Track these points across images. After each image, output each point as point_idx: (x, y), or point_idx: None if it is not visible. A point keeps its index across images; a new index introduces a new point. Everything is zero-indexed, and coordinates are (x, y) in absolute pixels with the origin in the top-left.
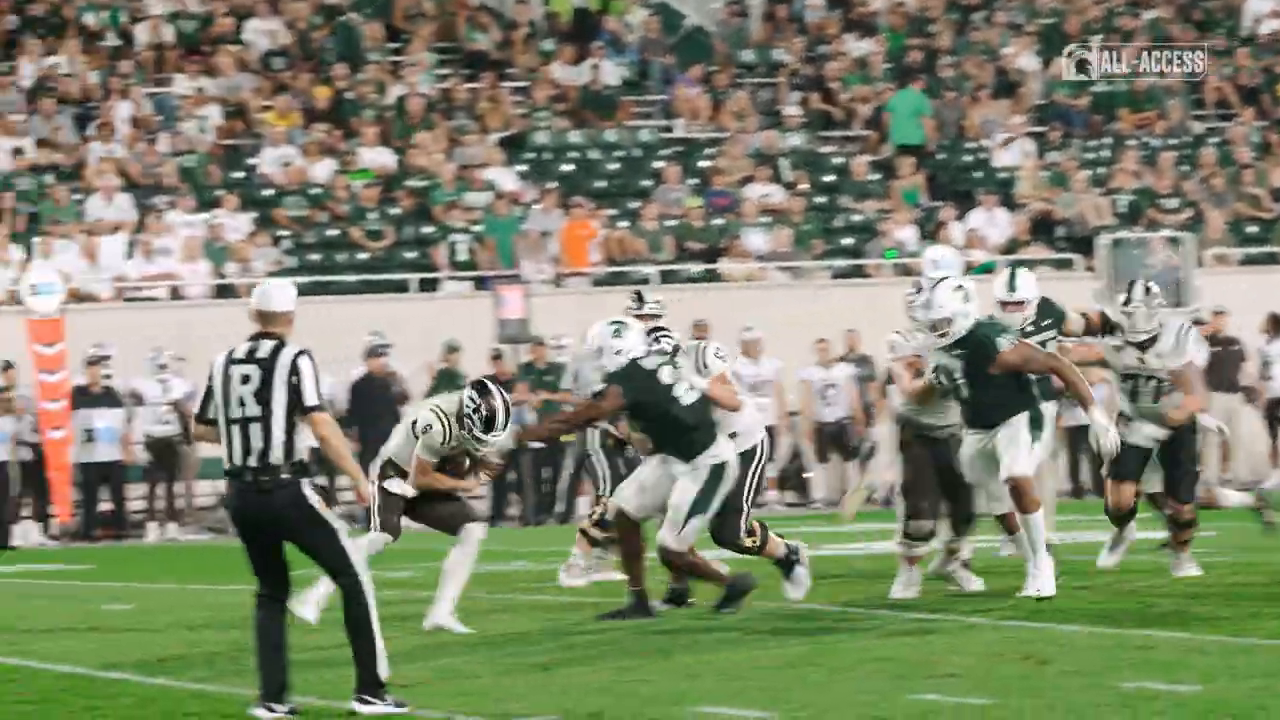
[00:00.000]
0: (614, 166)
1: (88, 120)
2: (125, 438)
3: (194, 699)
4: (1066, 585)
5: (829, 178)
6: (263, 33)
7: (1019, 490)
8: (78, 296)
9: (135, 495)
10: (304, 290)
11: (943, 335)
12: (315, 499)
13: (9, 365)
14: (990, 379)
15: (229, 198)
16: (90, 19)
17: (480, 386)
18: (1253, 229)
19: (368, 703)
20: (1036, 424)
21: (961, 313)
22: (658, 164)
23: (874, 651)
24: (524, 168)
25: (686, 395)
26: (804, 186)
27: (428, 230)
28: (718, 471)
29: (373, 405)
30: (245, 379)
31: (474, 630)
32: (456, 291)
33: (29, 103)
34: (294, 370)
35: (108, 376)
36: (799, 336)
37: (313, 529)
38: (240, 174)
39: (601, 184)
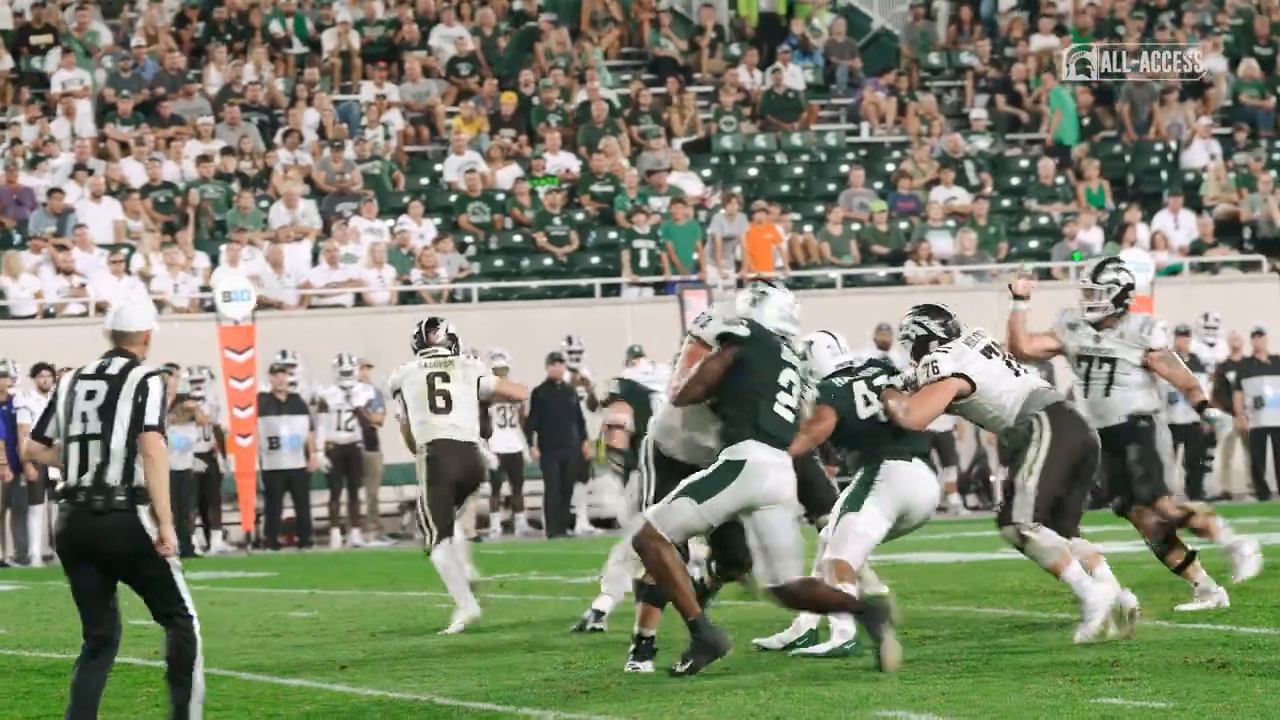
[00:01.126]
0: (799, 170)
1: (274, 128)
2: (308, 445)
3: (376, 706)
4: (1251, 586)
5: (1014, 180)
6: (449, 39)
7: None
8: (263, 303)
9: (318, 502)
10: (488, 296)
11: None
12: (151, 529)
13: (174, 369)
14: None
15: (414, 204)
16: (276, 27)
17: None
18: None
19: None
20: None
21: None
22: (843, 168)
23: (1056, 655)
24: (708, 172)
25: None
26: (989, 189)
27: (612, 235)
28: (727, 465)
29: (552, 412)
30: (90, 394)
31: (662, 633)
32: (640, 297)
33: (215, 110)
34: (142, 388)
35: (292, 384)
36: None
37: (144, 560)
38: (425, 180)
39: (786, 188)
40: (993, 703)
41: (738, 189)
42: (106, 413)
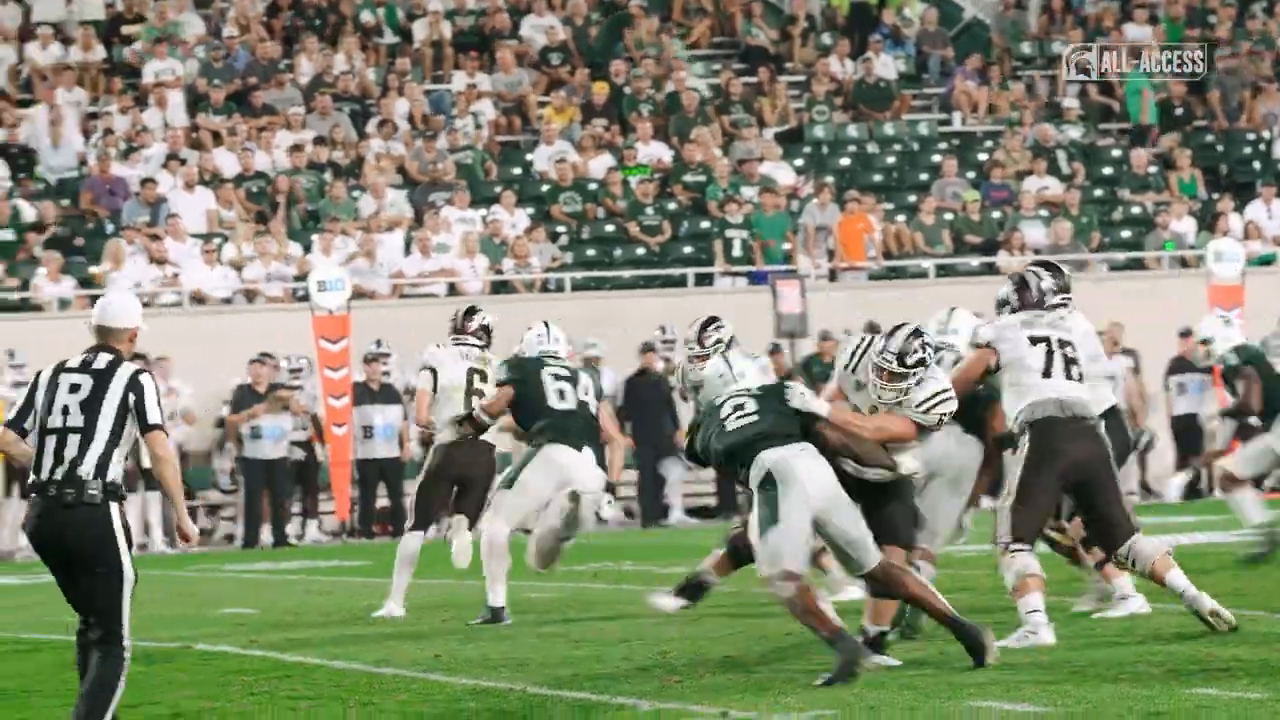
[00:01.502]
0: (891, 160)
1: (365, 117)
2: (402, 434)
3: (470, 695)
4: None
5: (1107, 170)
6: (540, 28)
7: None
8: (357, 293)
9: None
10: (580, 286)
11: None
12: (120, 533)
13: (268, 358)
14: None
15: (506, 194)
16: (368, 16)
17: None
18: None
19: None
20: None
21: None
22: (935, 157)
23: (1150, 646)
24: (801, 162)
25: None
26: (1081, 179)
27: (704, 225)
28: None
29: (645, 401)
30: (74, 388)
31: (752, 626)
32: (733, 286)
33: (307, 100)
34: (133, 386)
35: (386, 373)
36: None
37: (102, 562)
38: (517, 170)
39: (879, 177)
40: (1087, 693)
41: (830, 178)
42: (90, 406)
